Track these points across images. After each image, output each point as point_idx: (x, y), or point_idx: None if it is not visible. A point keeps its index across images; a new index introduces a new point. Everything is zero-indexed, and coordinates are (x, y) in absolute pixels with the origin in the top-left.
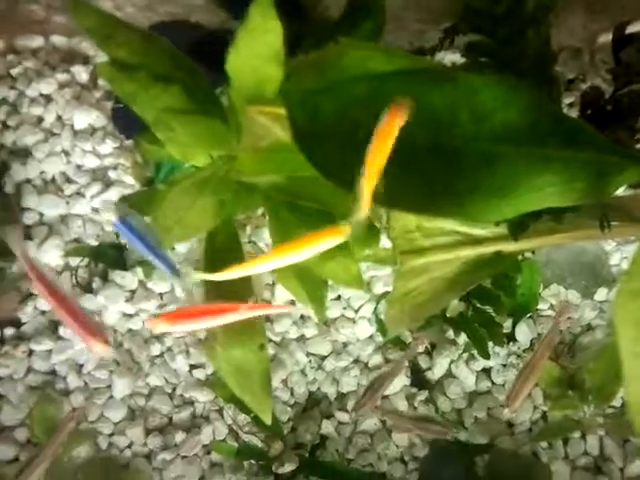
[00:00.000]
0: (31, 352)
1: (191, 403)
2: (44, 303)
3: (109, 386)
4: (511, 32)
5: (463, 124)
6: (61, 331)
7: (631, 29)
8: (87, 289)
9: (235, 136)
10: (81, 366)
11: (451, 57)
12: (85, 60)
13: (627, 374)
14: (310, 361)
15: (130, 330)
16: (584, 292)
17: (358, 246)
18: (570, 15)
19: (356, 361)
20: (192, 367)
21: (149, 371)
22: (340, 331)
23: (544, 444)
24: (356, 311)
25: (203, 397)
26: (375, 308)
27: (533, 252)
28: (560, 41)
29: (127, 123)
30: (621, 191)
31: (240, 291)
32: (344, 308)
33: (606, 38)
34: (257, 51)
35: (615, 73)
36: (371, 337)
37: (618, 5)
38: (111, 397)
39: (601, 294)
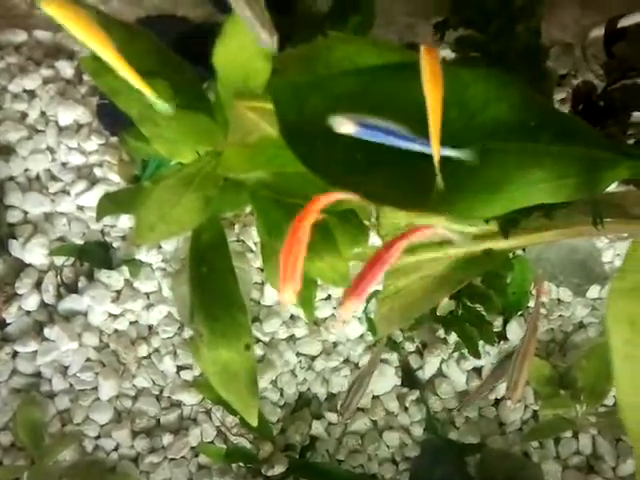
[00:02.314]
0: (16, 354)
1: (178, 405)
2: (29, 303)
3: (95, 388)
4: (502, 26)
5: (452, 120)
6: (46, 332)
7: (623, 23)
8: (72, 289)
9: (222, 132)
10: (66, 368)
11: (442, 52)
12: (70, 55)
13: (618, 376)
14: (300, 361)
15: (116, 331)
16: (576, 290)
17: (346, 245)
18: (562, 10)
19: (346, 361)
20: (179, 368)
21: (136, 372)
22: (330, 331)
23: (535, 444)
24: None
25: (191, 399)
26: (365, 307)
27: (524, 250)
28: (552, 36)
29: (112, 119)
30: (613, 187)
31: (228, 291)
32: (334, 308)
33: (598, 33)
34: (244, 45)
35: (607, 68)
36: (361, 337)
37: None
38: (97, 399)
39: (593, 292)
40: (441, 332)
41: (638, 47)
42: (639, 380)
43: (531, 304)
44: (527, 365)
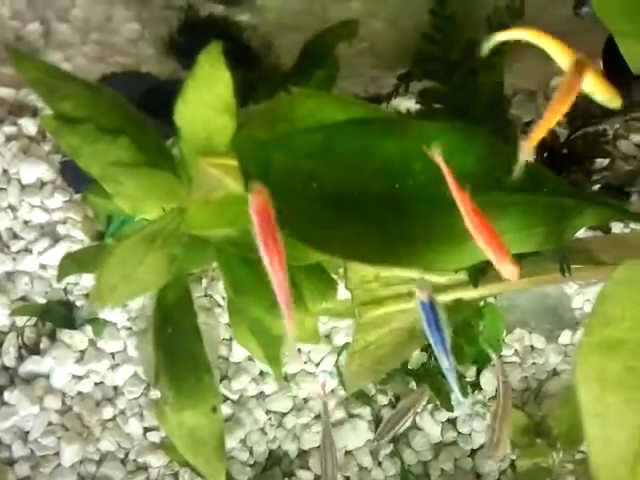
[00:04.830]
0: None
1: (145, 468)
2: None
3: (57, 453)
4: (464, 78)
5: (417, 173)
6: (6, 396)
7: None
8: (34, 350)
9: (186, 189)
10: (27, 433)
11: (407, 103)
12: (33, 112)
13: (589, 435)
14: (270, 418)
15: (80, 393)
16: (548, 336)
17: (314, 300)
18: (524, 58)
19: (318, 417)
20: (146, 430)
21: (100, 436)
22: (301, 386)
23: None
24: (317, 365)
25: (157, 461)
26: (336, 361)
27: (495, 297)
28: (515, 84)
29: (76, 176)
30: (581, 233)
31: (193, 352)
32: (305, 362)
33: (559, 81)
34: (206, 102)
35: (569, 116)
36: (333, 391)
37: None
38: (59, 465)
39: (565, 338)
40: (414, 384)
41: None
42: (611, 440)
43: (505, 352)
44: (507, 424)
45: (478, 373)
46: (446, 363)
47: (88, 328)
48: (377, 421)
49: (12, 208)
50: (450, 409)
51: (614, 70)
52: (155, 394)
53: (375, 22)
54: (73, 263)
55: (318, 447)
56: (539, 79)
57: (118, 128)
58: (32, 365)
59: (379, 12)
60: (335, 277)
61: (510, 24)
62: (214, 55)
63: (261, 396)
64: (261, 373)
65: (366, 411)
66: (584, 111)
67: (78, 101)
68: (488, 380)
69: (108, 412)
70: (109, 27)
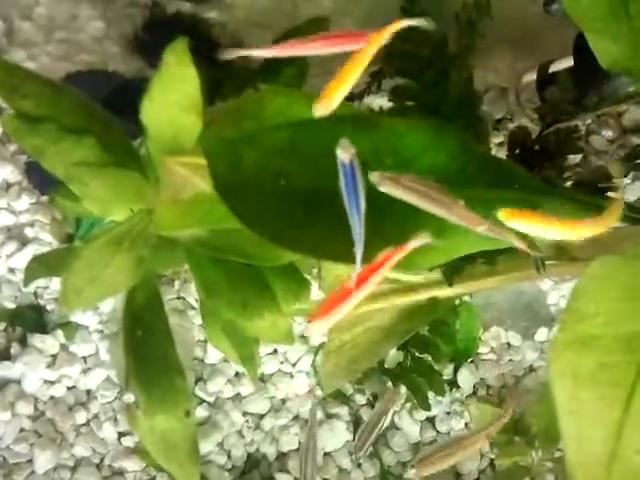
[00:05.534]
0: None
1: (121, 473)
2: None
3: (30, 460)
4: (435, 75)
5: (389, 169)
6: None
7: (554, 68)
8: (5, 356)
9: (154, 189)
10: None
11: (379, 101)
12: None
13: (564, 433)
14: (247, 421)
15: (52, 398)
16: (524, 333)
17: (287, 300)
18: (496, 55)
19: (296, 418)
20: (121, 434)
21: (74, 441)
22: (278, 387)
23: None
24: (294, 365)
25: (133, 466)
26: (313, 361)
27: (471, 295)
28: (487, 81)
29: (42, 178)
30: None
31: (164, 355)
32: (281, 362)
33: (530, 77)
34: (173, 100)
35: (541, 112)
36: (310, 391)
37: (543, 45)
38: (32, 472)
39: (541, 334)
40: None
41: (568, 91)
42: (586, 438)
43: (481, 350)
44: (458, 456)
45: (455, 371)
46: (357, 228)
47: (59, 332)
48: (355, 421)
49: None
50: (427, 408)
51: (585, 66)
52: (129, 398)
53: (347, 20)
54: (41, 266)
55: (297, 449)
56: (510, 76)
57: (82, 128)
58: (3, 371)
59: (351, 10)
60: (309, 277)
61: (478, 21)
62: (180, 52)
63: (237, 398)
64: (237, 374)
65: (344, 411)
66: (554, 107)
67: (39, 100)
68: (465, 378)
69: (81, 417)
70: (74, 25)
